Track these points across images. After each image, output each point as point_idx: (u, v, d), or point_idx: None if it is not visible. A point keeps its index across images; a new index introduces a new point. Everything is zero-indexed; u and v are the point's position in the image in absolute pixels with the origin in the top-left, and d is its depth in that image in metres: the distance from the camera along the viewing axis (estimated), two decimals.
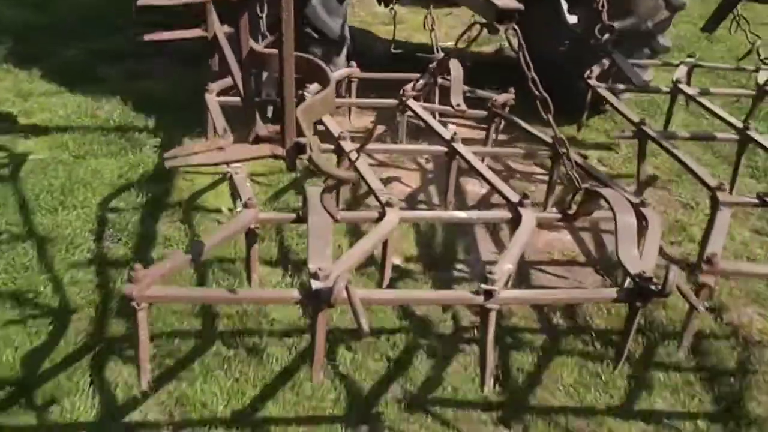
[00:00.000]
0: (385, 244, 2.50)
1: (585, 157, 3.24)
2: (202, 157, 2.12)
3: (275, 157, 1.91)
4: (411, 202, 3.53)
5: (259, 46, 2.20)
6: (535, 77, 2.30)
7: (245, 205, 2.49)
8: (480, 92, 3.86)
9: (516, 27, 2.12)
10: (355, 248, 2.25)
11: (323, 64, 2.04)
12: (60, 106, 4.44)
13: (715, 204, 2.65)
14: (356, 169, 2.68)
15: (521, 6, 2.07)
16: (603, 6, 3.93)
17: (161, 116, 4.30)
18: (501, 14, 2.05)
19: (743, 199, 2.80)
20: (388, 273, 2.57)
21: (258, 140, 2.15)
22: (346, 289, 1.91)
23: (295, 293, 2.05)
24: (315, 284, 1.97)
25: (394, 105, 3.63)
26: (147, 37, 2.61)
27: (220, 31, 2.80)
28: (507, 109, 3.61)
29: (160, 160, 3.58)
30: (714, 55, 5.54)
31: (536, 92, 2.31)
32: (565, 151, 2.46)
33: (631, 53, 4.22)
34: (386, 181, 3.61)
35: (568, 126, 3.98)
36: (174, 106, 4.35)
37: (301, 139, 1.79)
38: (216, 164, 2.12)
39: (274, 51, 1.94)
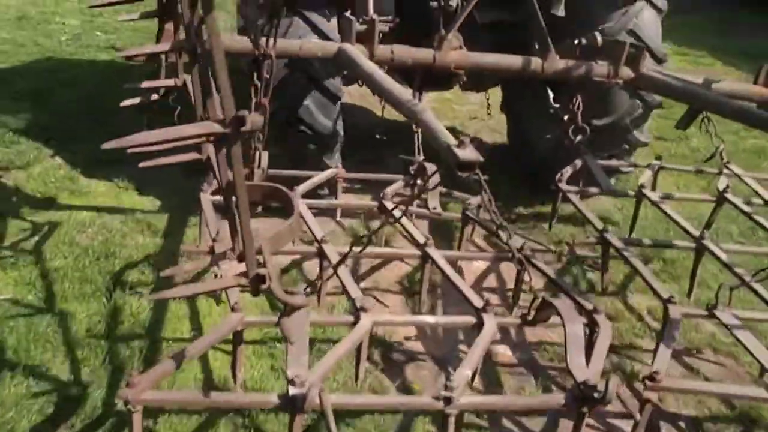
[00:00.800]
0: (359, 346, 2.76)
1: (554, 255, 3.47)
2: (178, 290, 2.41)
3: (240, 286, 2.18)
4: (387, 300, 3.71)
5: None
6: (496, 211, 2.59)
7: (232, 309, 2.76)
8: (456, 194, 4.13)
9: (478, 173, 2.42)
10: (330, 355, 2.51)
11: (288, 192, 2.32)
12: (34, 228, 3.97)
13: (666, 315, 2.91)
14: (337, 275, 2.96)
15: (481, 158, 2.37)
16: (578, 108, 4.30)
17: (149, 238, 4.03)
18: (461, 166, 2.36)
19: (694, 311, 3.06)
20: (362, 373, 2.83)
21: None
22: (319, 396, 2.18)
23: (274, 398, 2.30)
24: (292, 390, 2.23)
25: (373, 207, 3.93)
26: (143, 165, 2.90)
27: (213, 154, 3.09)
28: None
29: (138, 304, 3.42)
30: (686, 149, 5.84)
31: (496, 222, 2.61)
32: (523, 267, 2.75)
33: (608, 148, 4.55)
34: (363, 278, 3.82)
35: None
36: (163, 229, 4.14)
37: (261, 271, 2.05)
38: (192, 296, 2.38)
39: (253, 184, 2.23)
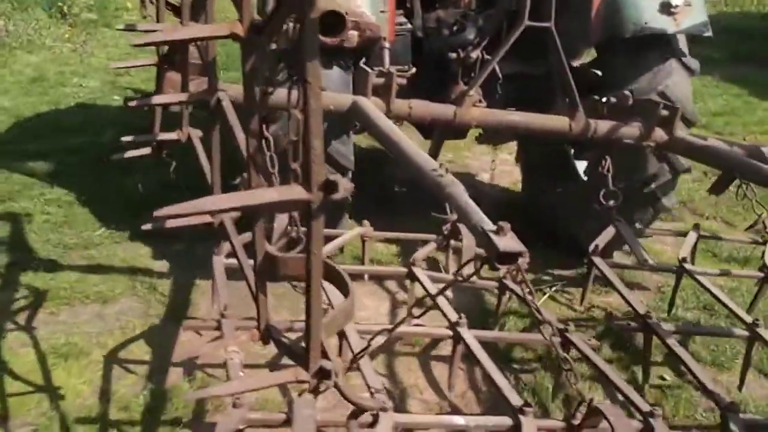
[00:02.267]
0: None
1: (596, 349, 3.11)
2: (219, 389, 2.07)
3: (299, 382, 1.85)
4: (411, 390, 3.33)
5: (273, 249, 2.12)
6: (539, 308, 2.25)
7: (234, 405, 2.39)
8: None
9: (520, 267, 2.06)
10: None
11: (342, 271, 1.98)
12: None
13: (725, 427, 2.53)
14: (358, 366, 2.58)
15: (524, 249, 2.01)
16: (608, 170, 3.97)
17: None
18: (501, 257, 2.00)
19: (754, 418, 2.68)
20: None
21: (267, 337, 2.09)
22: None
23: None
24: None
25: (402, 273, 3.58)
26: (145, 227, 2.57)
27: (228, 218, 2.75)
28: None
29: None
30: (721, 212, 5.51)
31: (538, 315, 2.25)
32: (569, 367, 2.38)
33: (633, 214, 4.21)
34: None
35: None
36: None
37: (326, 363, 1.73)
38: (233, 394, 2.09)
39: (297, 257, 1.91)
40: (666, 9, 4.02)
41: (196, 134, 3.16)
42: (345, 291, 2.00)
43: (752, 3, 15.18)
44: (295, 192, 1.61)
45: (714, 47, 10.98)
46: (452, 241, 3.76)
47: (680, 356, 2.94)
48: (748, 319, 3.21)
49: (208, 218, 2.81)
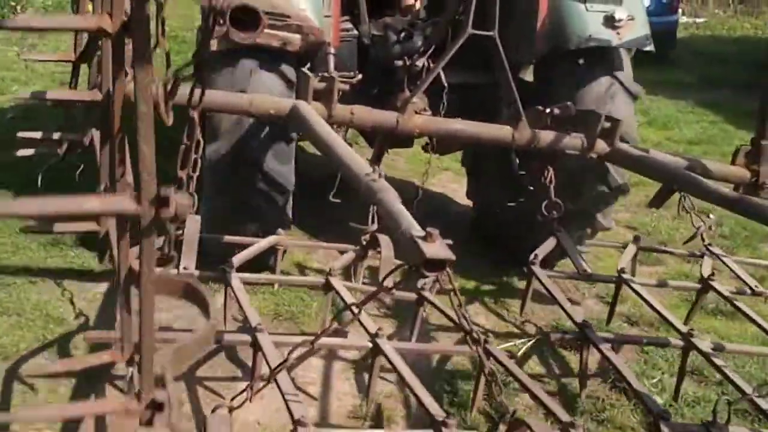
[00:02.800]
0: None
1: (516, 359, 3.07)
2: (47, 409, 1.92)
3: (129, 412, 1.67)
4: (330, 404, 3.20)
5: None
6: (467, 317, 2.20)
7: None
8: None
9: (448, 271, 2.01)
10: None
11: (205, 291, 1.88)
12: None
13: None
14: (274, 379, 2.49)
15: (452, 256, 1.96)
16: (550, 181, 3.97)
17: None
18: (428, 264, 1.94)
19: (686, 425, 2.66)
20: None
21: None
22: None
23: None
24: None
25: (318, 284, 3.49)
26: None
27: (113, 228, 2.62)
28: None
29: None
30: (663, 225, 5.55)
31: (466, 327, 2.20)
32: (493, 378, 2.34)
33: (571, 232, 4.19)
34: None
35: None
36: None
37: (160, 394, 1.53)
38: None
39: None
40: (610, 23, 4.05)
41: (98, 137, 3.02)
42: (206, 313, 1.88)
43: (723, 27, 15.50)
44: (123, 203, 1.46)
45: (686, 71, 11.18)
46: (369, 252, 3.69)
47: (616, 365, 2.92)
48: (684, 329, 3.21)
49: (95, 227, 2.71)
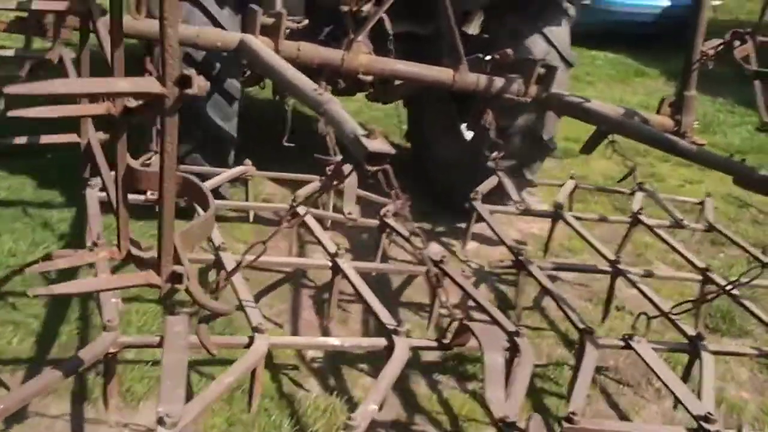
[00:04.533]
0: (254, 372, 2.40)
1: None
2: (67, 286, 2.03)
3: (150, 285, 1.84)
4: (293, 318, 3.40)
5: (136, 164, 2.11)
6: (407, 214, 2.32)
7: (104, 328, 2.34)
8: (374, 198, 3.84)
9: (388, 168, 2.15)
10: (213, 386, 2.15)
11: (203, 186, 1.99)
12: None
13: (582, 348, 2.71)
14: (231, 285, 2.59)
15: (392, 150, 2.10)
16: (490, 123, 4.14)
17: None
18: (369, 157, 2.07)
19: (610, 341, 2.87)
20: (255, 404, 2.46)
21: (130, 258, 2.05)
22: None
23: None
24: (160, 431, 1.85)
25: (285, 210, 3.59)
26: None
27: (95, 138, 2.69)
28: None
29: None
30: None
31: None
32: (439, 283, 2.49)
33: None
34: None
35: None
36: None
37: (178, 268, 1.72)
38: (82, 294, 2.03)
39: (154, 171, 1.89)
40: None
41: (68, 55, 3.01)
42: (205, 206, 2.00)
43: (741, 11, 14.50)
44: (149, 84, 1.58)
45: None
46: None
47: (548, 289, 3.11)
48: (612, 257, 3.43)
49: (75, 138, 2.73)
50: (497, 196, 4.08)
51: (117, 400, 2.45)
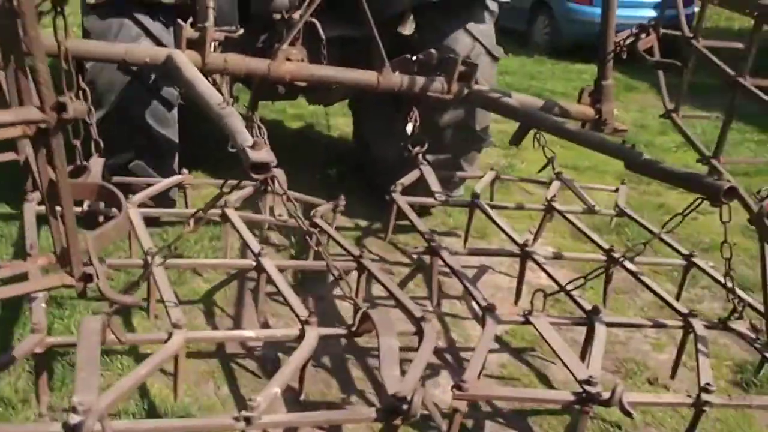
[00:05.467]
0: (176, 362, 2.64)
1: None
2: None
3: (66, 286, 2.07)
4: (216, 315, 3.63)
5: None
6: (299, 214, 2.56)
7: (32, 330, 2.57)
8: (306, 199, 4.08)
9: (276, 176, 2.38)
10: (128, 377, 2.38)
11: (116, 191, 2.22)
12: None
13: (483, 324, 2.96)
14: (155, 282, 2.83)
15: (273, 160, 2.33)
16: (416, 120, 4.39)
17: None
18: (254, 167, 2.31)
19: (510, 317, 3.13)
20: (180, 392, 2.70)
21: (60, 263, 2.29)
22: (101, 424, 2.05)
23: (57, 428, 2.11)
24: (73, 419, 2.07)
25: (216, 215, 3.82)
26: None
27: (31, 154, 2.89)
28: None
29: None
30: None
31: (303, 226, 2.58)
32: (340, 276, 2.74)
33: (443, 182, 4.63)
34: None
35: None
36: None
37: (88, 269, 1.95)
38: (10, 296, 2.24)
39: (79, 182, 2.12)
40: None
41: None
42: (119, 207, 2.23)
43: (720, 18, 14.14)
44: (30, 113, 1.79)
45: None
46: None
47: (456, 271, 3.36)
48: (521, 240, 3.69)
49: (14, 156, 2.92)
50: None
51: (48, 396, 2.67)
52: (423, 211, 4.73)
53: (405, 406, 2.30)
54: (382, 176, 4.99)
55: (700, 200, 2.93)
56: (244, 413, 2.22)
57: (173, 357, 2.60)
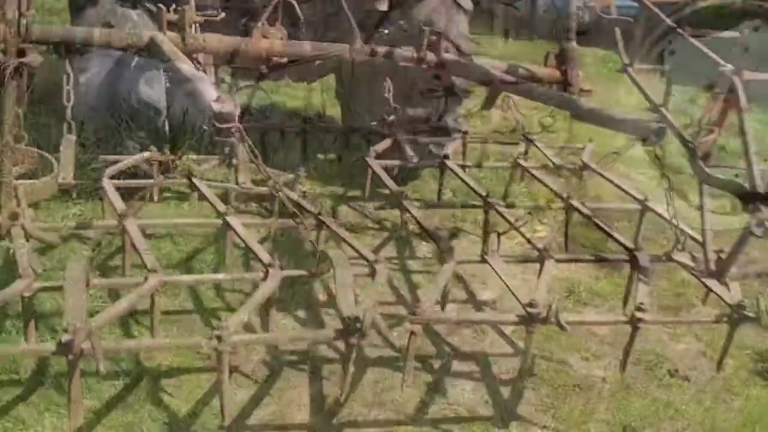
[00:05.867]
0: (152, 302, 2.93)
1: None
2: None
3: None
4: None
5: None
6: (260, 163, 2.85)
7: (20, 276, 2.85)
8: (270, 171, 4.32)
9: (240, 126, 2.65)
10: (111, 307, 2.68)
11: (48, 156, 2.53)
12: None
13: (442, 262, 3.22)
14: (126, 232, 3.12)
15: (236, 111, 2.61)
16: (389, 90, 4.67)
17: None
18: (218, 117, 2.58)
19: (468, 258, 3.40)
20: (157, 326, 2.99)
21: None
22: (90, 340, 2.34)
23: (52, 346, 2.41)
24: (65, 337, 2.36)
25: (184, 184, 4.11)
26: None
27: None
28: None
29: None
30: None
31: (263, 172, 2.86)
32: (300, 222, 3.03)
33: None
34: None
35: None
36: None
37: (14, 208, 2.26)
38: None
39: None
40: None
41: None
42: (51, 170, 2.56)
43: None
44: None
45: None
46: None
47: (421, 223, 3.62)
48: (484, 193, 3.93)
49: None
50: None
51: (35, 335, 2.96)
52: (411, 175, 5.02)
53: (358, 325, 2.57)
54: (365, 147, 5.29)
55: (634, 140, 3.17)
56: (215, 332, 2.49)
57: (149, 296, 2.86)
